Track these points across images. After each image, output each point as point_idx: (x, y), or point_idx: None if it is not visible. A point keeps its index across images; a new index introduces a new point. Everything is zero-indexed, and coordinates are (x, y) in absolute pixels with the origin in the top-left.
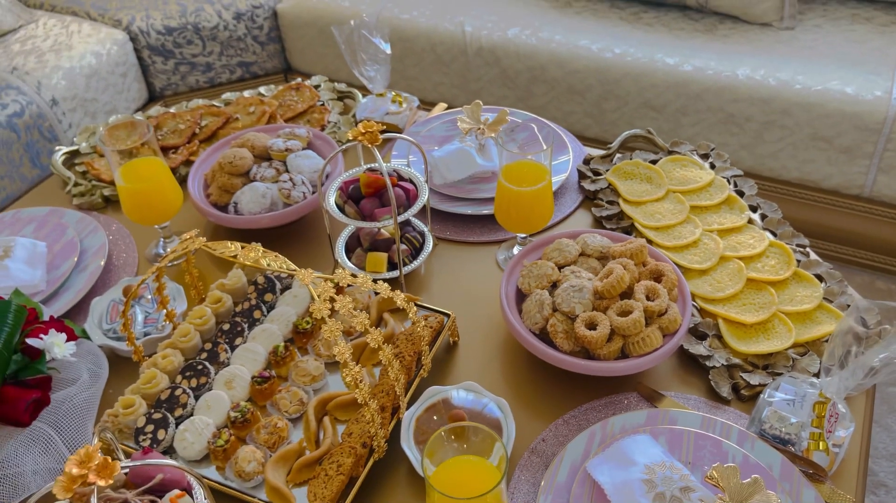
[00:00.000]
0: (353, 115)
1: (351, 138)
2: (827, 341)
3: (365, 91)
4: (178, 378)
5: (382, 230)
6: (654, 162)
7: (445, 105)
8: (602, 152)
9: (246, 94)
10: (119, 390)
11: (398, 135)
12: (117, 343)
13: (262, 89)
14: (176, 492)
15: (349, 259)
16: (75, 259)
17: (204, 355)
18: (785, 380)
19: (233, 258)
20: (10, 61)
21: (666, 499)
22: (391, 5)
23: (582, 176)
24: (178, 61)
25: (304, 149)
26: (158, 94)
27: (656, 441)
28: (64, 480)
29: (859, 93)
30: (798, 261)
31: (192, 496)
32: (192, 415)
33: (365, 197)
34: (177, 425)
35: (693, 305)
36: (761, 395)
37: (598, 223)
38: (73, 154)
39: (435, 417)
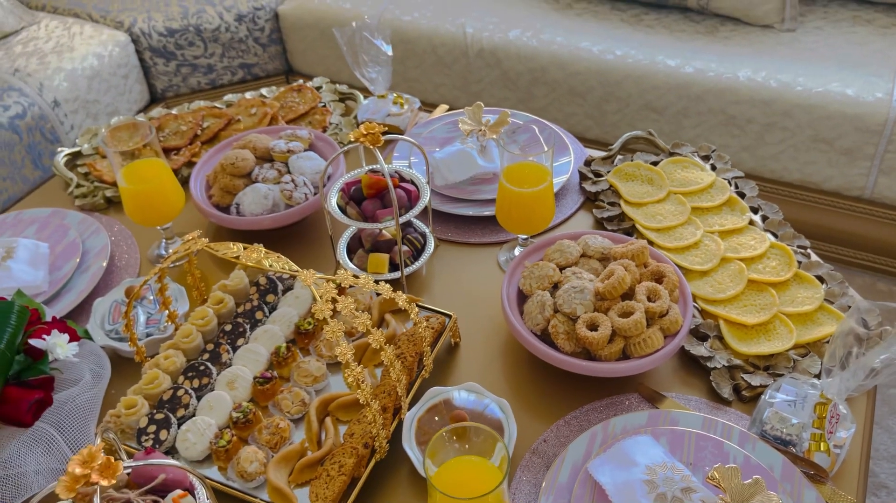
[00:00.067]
0: (355, 117)
1: (353, 140)
2: (828, 342)
3: (366, 93)
4: (181, 378)
5: (384, 231)
6: (655, 163)
7: (447, 107)
8: (603, 154)
9: (247, 95)
10: (121, 391)
11: (400, 136)
12: (119, 344)
13: (263, 91)
14: (178, 492)
15: (351, 260)
16: (77, 260)
17: (206, 356)
18: (786, 381)
19: (235, 259)
20: (12, 63)
21: (667, 500)
22: (392, 7)
23: (583, 177)
24: (180, 63)
25: (305, 150)
26: (160, 96)
27: (657, 442)
28: (67, 480)
29: (860, 95)
30: (799, 262)
31: (194, 496)
32: (194, 415)
33: (366, 198)
34: (179, 426)
35: (694, 306)
36: (762, 396)
37: (600, 224)
38: (76, 155)
39: (436, 418)
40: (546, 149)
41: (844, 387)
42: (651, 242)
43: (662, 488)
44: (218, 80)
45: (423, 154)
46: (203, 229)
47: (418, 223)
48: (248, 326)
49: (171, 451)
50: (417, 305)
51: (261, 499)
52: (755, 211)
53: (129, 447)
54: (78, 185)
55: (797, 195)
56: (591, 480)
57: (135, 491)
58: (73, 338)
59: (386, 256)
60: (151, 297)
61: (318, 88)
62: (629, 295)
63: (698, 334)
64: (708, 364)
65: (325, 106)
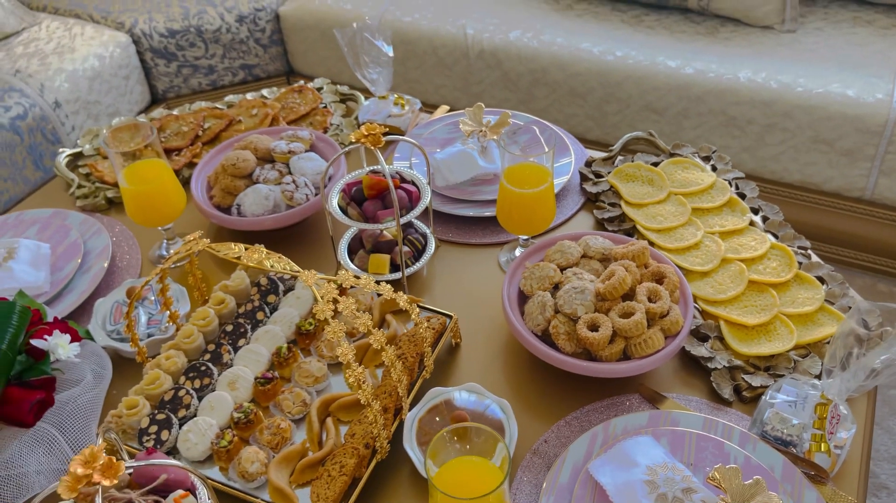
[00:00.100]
0: (356, 118)
1: (354, 140)
2: (828, 343)
3: (367, 93)
4: (182, 379)
5: (385, 232)
6: (655, 164)
7: (447, 107)
8: (604, 155)
9: (248, 96)
10: (123, 391)
11: (400, 137)
12: (121, 344)
13: (264, 92)
14: (180, 492)
15: (352, 261)
16: (79, 260)
17: (207, 356)
18: (786, 381)
19: (237, 259)
20: (13, 64)
21: (668, 500)
22: (393, 8)
23: (584, 178)
24: (181, 64)
25: (306, 151)
26: (161, 97)
27: (658, 442)
28: (69, 480)
29: (861, 95)
30: (799, 263)
31: (195, 496)
32: (195, 415)
33: (367, 199)
34: (180, 426)
35: (695, 307)
36: (763, 397)
37: (600, 225)
38: (77, 156)
39: (437, 418)
40: (547, 150)
41: (845, 387)
42: (652, 243)
43: (663, 489)
44: (219, 81)
45: (423, 155)
46: (204, 230)
47: (419, 224)
48: (249, 327)
49: (173, 452)
50: (418, 306)
51: (262, 500)
52: (756, 212)
53: (131, 447)
54: (79, 186)
55: (798, 196)
56: (592, 481)
57: (136, 491)
58: (75, 338)
59: (387, 257)
60: (153, 298)
61: (319, 89)
62: (630, 295)
63: (699, 335)
64: (708, 365)
65: (325, 107)
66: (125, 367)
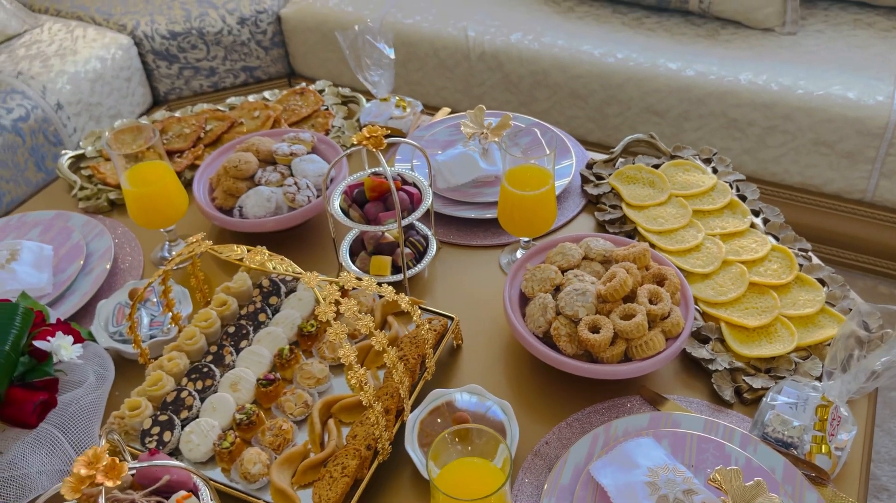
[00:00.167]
0: (357, 120)
1: (355, 142)
2: (829, 345)
3: (369, 96)
4: (184, 380)
5: (386, 234)
6: (656, 166)
7: (449, 110)
8: (605, 157)
9: (250, 98)
10: (125, 392)
11: (402, 139)
12: (123, 345)
13: (266, 94)
14: (182, 493)
15: (353, 262)
16: (81, 262)
17: (209, 358)
18: (787, 383)
19: (239, 261)
20: (16, 66)
21: (669, 502)
22: (394, 10)
23: (585, 180)
24: (183, 66)
25: (308, 153)
26: (162, 99)
27: (659, 444)
28: (72, 481)
29: (861, 98)
30: (800, 265)
31: (198, 497)
32: (197, 417)
33: (369, 201)
34: (182, 427)
35: (696, 309)
36: (764, 399)
37: (601, 227)
38: (79, 158)
39: (439, 420)
40: (548, 152)
41: (846, 389)
42: (653, 245)
43: (664, 490)
44: (220, 82)
45: (425, 157)
46: (206, 232)
47: (420, 226)
48: (251, 328)
49: (175, 453)
50: (420, 308)
51: (264, 501)
52: (756, 214)
53: (133, 449)
54: (81, 188)
55: (798, 198)
56: (593, 482)
57: (139, 492)
58: (77, 339)
59: (388, 259)
60: (155, 299)
61: (321, 91)
62: (631, 297)
63: (700, 337)
64: (709, 366)
65: (327, 109)
66: (127, 369)
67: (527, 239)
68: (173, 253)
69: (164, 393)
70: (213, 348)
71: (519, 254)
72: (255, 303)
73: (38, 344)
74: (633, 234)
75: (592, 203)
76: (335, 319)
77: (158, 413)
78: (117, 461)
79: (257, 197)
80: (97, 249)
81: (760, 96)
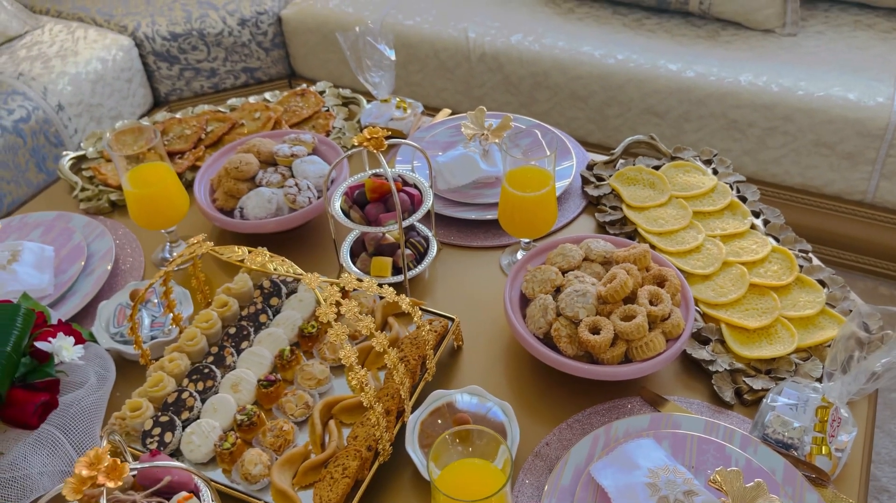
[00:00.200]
0: (358, 121)
1: (356, 144)
2: (829, 346)
3: (369, 97)
4: (185, 381)
5: (387, 235)
6: (657, 167)
7: (449, 111)
8: (605, 158)
9: (251, 99)
10: (126, 393)
11: (403, 140)
12: (124, 346)
13: (267, 95)
14: (183, 494)
15: (354, 264)
16: (82, 263)
17: (210, 359)
18: (788, 384)
19: (240, 262)
20: (17, 67)
21: None
22: (395, 11)
23: (585, 181)
24: (183, 67)
25: (309, 154)
26: (163, 100)
27: (660, 445)
28: (74, 482)
29: (861, 99)
30: (801, 266)
31: (199, 498)
32: (198, 418)
33: (370, 202)
34: (183, 428)
35: (696, 310)
36: (764, 400)
37: (602, 228)
38: (80, 159)
39: (439, 421)
40: (548, 153)
41: (846, 390)
42: (653, 246)
43: (665, 491)
44: (221, 84)
45: (425, 158)
46: (207, 233)
47: (421, 227)
48: (252, 329)
49: (176, 454)
50: (420, 309)
51: (265, 502)
52: (757, 215)
53: (134, 449)
54: (83, 189)
55: (799, 199)
56: (594, 483)
57: (140, 493)
58: (79, 340)
59: (389, 260)
60: (156, 300)
61: (322, 93)
62: (631, 298)
63: (700, 338)
64: (710, 367)
65: (328, 110)
66: (128, 370)
67: (527, 240)
68: (174, 254)
69: (165, 394)
70: (214, 349)
71: (519, 255)
72: (255, 304)
73: (39, 345)
74: (634, 235)
75: (593, 204)
76: (336, 320)
77: (159, 414)
78: (119, 462)
79: (258, 198)
80: (98, 250)
81: (761, 97)
